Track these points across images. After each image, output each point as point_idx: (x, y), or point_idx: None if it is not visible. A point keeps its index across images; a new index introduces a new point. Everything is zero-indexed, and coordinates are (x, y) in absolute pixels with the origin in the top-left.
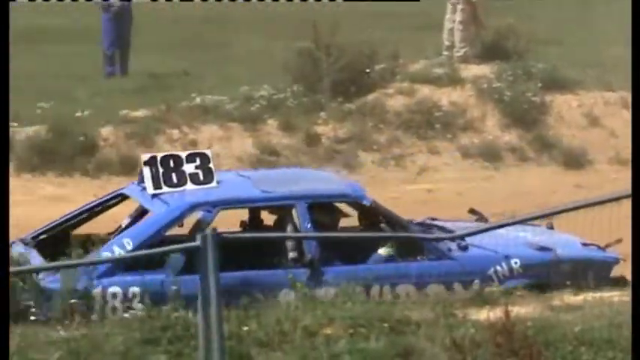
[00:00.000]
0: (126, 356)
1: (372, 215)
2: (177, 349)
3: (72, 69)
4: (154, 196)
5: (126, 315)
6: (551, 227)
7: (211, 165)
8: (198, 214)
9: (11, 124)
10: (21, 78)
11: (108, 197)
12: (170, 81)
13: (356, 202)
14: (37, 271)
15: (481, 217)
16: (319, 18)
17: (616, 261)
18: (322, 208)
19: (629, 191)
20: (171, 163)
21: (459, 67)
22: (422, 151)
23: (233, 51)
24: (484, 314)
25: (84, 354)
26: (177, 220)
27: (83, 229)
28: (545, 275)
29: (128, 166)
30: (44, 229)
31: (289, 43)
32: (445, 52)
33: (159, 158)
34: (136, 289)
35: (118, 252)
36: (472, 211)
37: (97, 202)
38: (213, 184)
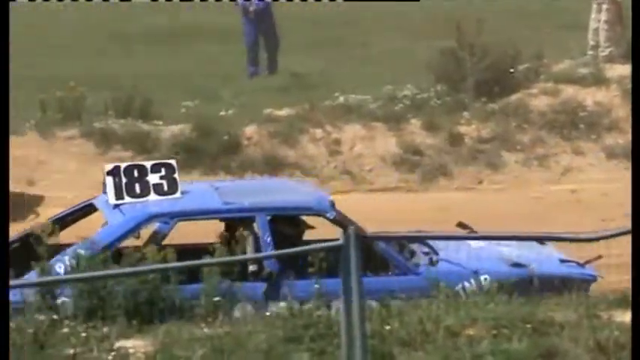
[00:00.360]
0: (269, 354)
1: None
2: (320, 347)
3: (218, 68)
4: (116, 206)
5: (268, 313)
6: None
7: (176, 175)
8: (155, 225)
9: (156, 122)
10: (166, 77)
11: (78, 207)
12: (313, 80)
13: (319, 215)
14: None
15: (471, 231)
16: (462, 17)
17: (594, 278)
18: (285, 221)
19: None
20: (135, 173)
21: (604, 67)
22: (566, 152)
23: (376, 50)
24: (629, 316)
25: (227, 351)
26: (133, 231)
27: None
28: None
29: (272, 165)
30: (15, 238)
31: (432, 42)
32: (590, 52)
33: (122, 168)
34: None
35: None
36: (461, 225)
37: (68, 212)
38: (177, 194)
